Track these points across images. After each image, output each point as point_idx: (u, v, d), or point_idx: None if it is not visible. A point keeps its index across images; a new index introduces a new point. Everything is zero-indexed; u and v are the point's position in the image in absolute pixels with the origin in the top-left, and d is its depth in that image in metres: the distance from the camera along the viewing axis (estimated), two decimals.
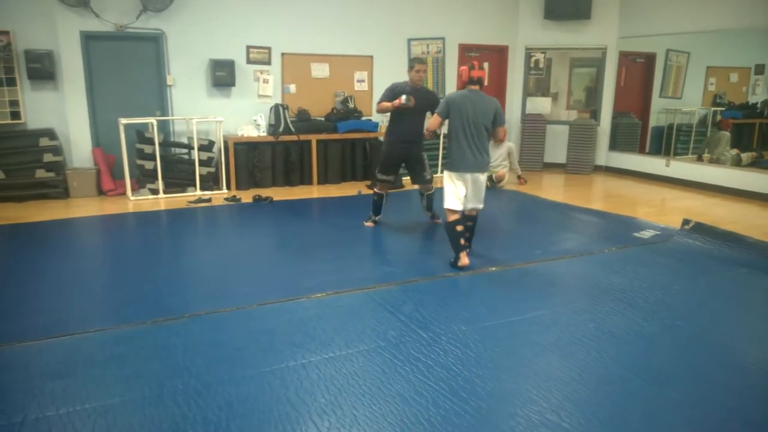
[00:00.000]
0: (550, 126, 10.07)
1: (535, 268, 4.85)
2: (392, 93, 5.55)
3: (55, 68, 7.21)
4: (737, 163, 8.38)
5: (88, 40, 7.32)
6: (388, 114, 5.77)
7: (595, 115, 9.96)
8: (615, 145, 10.00)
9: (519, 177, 8.63)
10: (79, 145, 7.48)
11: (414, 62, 5.58)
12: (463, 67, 4.65)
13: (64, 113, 7.36)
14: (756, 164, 8.36)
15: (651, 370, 3.13)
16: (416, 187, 6.18)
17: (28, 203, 7.01)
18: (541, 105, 10.16)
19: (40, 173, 7.17)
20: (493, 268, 4.75)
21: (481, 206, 4.85)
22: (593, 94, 10.06)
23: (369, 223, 6.01)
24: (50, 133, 7.25)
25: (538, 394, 2.87)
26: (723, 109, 9.18)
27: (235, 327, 3.59)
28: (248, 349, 3.27)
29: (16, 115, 7.13)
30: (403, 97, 5.37)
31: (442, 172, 5.83)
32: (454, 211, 4.69)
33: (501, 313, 3.86)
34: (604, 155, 9.99)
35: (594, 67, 9.97)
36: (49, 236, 5.66)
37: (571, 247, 5.50)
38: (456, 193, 4.67)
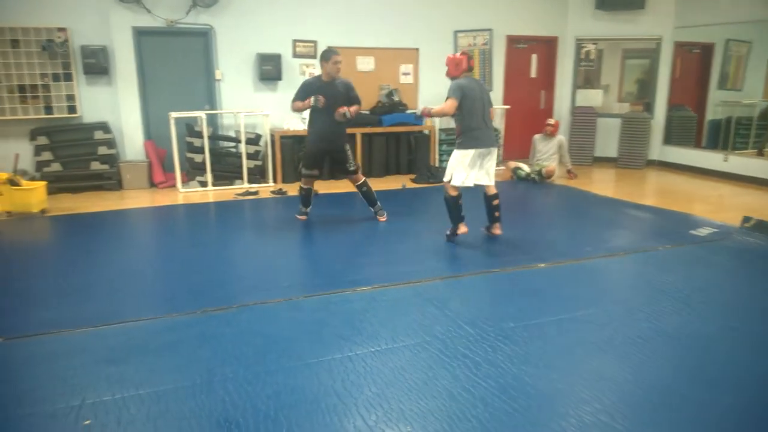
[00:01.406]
0: (601, 119, 9.80)
1: (585, 265, 4.73)
2: (304, 92, 5.53)
3: (109, 63, 7.40)
4: None
5: (140, 35, 7.50)
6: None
7: (649, 107, 9.64)
8: (669, 138, 9.66)
9: (569, 171, 8.45)
10: (131, 138, 7.68)
11: (331, 53, 5.49)
12: (462, 56, 4.99)
13: (117, 107, 7.56)
14: None
15: (706, 373, 3.00)
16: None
17: (83, 194, 7.25)
18: (591, 97, 9.91)
19: (95, 165, 7.40)
20: (542, 265, 4.65)
21: (492, 183, 5.15)
22: (646, 86, 9.75)
23: (302, 217, 5.97)
24: (104, 127, 7.47)
25: (590, 395, 2.78)
26: None
27: (283, 318, 3.62)
28: (296, 340, 3.29)
29: (72, 109, 7.37)
30: (312, 99, 5.41)
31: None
32: (456, 188, 5.01)
33: (551, 310, 3.77)
34: (657, 149, 9.67)
35: (647, 59, 9.65)
36: (104, 226, 5.84)
37: (623, 244, 5.35)
38: (466, 172, 4.97)
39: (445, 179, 5.12)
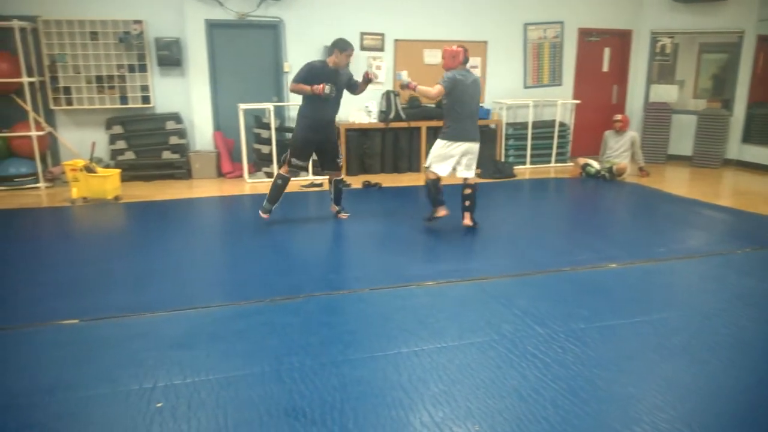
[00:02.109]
0: (676, 116, 9.39)
1: (659, 266, 4.54)
2: (310, 74, 5.18)
3: (182, 55, 7.61)
4: None
5: (212, 28, 7.67)
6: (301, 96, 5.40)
7: (727, 104, 9.16)
8: (749, 137, 9.14)
9: (641, 169, 8.13)
10: (201, 129, 7.88)
11: (348, 45, 5.29)
12: (460, 48, 5.14)
13: (188, 98, 7.77)
14: None
15: None
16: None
17: (154, 182, 7.50)
18: (666, 93, 9.50)
19: (166, 155, 7.64)
20: (613, 265, 4.49)
21: (473, 174, 5.29)
22: (723, 81, 9.27)
23: (265, 215, 5.57)
24: (176, 117, 7.69)
25: (665, 401, 2.67)
26: None
27: (349, 310, 3.63)
28: (361, 333, 3.29)
29: (146, 99, 7.62)
30: (327, 87, 5.09)
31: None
32: (436, 174, 5.20)
33: (623, 312, 3.64)
34: (736, 148, 9.17)
35: (726, 53, 9.17)
36: (174, 214, 6.03)
37: (699, 246, 5.11)
38: (446, 160, 5.16)
39: (426, 164, 5.35)
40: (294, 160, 5.49)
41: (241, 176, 7.74)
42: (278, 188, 5.52)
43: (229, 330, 3.30)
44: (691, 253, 4.87)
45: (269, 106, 7.49)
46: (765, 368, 3.00)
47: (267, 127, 7.53)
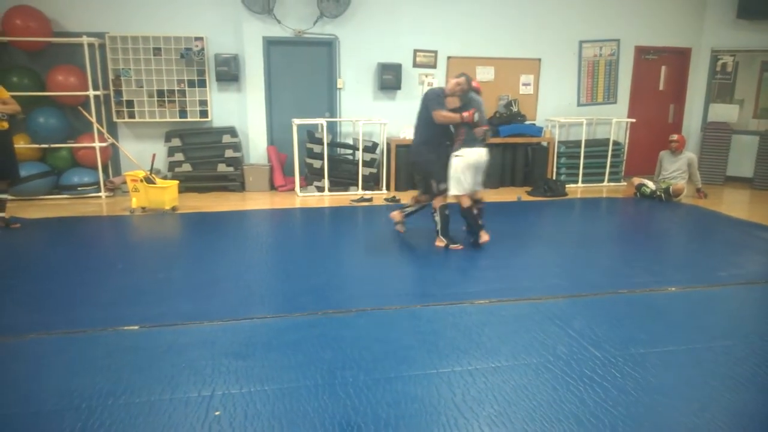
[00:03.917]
0: (736, 136, 9.09)
1: (720, 292, 4.38)
2: (443, 101, 5.15)
3: (239, 71, 7.82)
4: None
5: (270, 44, 7.86)
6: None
7: None
8: None
9: (698, 190, 7.89)
10: (255, 143, 8.06)
11: (463, 75, 5.20)
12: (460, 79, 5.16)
13: (244, 113, 7.97)
14: None
15: None
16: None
17: (209, 194, 7.69)
18: (725, 112, 9.22)
19: (221, 167, 7.83)
20: (672, 288, 4.36)
21: (481, 188, 5.40)
22: None
23: (456, 246, 5.34)
24: (232, 131, 7.89)
25: None
26: None
27: (401, 325, 3.62)
28: (414, 349, 3.27)
29: (204, 113, 7.85)
30: (476, 114, 5.07)
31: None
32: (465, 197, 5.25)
33: (683, 338, 3.52)
34: None
35: None
36: (228, 225, 6.15)
37: (761, 272, 4.91)
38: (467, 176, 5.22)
39: (449, 192, 5.26)
40: (444, 185, 5.29)
41: (292, 190, 7.86)
42: (447, 219, 5.38)
43: (283, 341, 3.34)
44: (753, 278, 4.68)
45: (322, 122, 7.61)
46: None
47: (319, 142, 7.64)
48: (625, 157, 8.91)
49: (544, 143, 8.51)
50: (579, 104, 9.01)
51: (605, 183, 8.71)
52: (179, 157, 7.72)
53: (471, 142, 5.20)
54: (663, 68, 9.31)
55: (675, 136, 7.88)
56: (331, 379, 2.92)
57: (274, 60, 7.96)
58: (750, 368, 3.17)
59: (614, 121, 8.71)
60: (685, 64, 9.34)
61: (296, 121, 7.52)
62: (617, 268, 4.79)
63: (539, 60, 8.67)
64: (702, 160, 8.85)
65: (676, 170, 7.73)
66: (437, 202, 5.36)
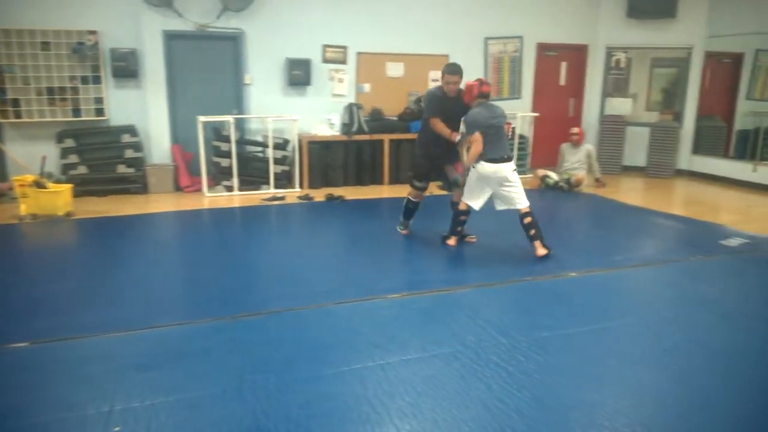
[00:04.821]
0: (630, 128, 9.67)
1: (616, 274, 4.64)
2: (439, 106, 5.09)
3: (138, 66, 7.46)
4: None
5: (170, 39, 7.55)
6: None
7: (678, 117, 9.49)
8: (698, 148, 9.50)
9: (597, 180, 8.33)
10: (158, 142, 7.73)
11: (447, 69, 5.06)
12: (473, 83, 4.91)
13: (145, 110, 7.62)
14: None
15: (749, 386, 2.92)
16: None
17: (108, 197, 7.28)
18: (620, 106, 9.78)
19: (121, 169, 7.44)
20: (573, 274, 4.56)
21: (523, 204, 4.99)
22: (674, 95, 9.60)
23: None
24: (131, 130, 7.52)
25: (626, 406, 2.74)
26: None
27: (313, 325, 3.58)
28: (326, 348, 3.24)
29: (100, 111, 7.43)
30: (458, 137, 5.02)
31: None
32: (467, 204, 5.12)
33: (583, 320, 3.69)
34: (686, 159, 9.50)
35: (676, 68, 9.52)
36: (130, 230, 5.86)
37: (654, 254, 5.24)
38: (482, 192, 5.05)
39: (467, 200, 5.16)
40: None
41: (199, 190, 7.60)
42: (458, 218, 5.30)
43: (189, 349, 3.21)
44: (647, 261, 4.99)
45: (229, 119, 7.40)
46: (722, 370, 3.08)
47: (227, 139, 7.43)
48: (530, 150, 9.25)
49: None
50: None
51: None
52: (74, 158, 7.27)
53: (493, 152, 4.89)
54: (563, 64, 9.74)
55: (576, 130, 8.29)
56: (239, 384, 2.83)
57: (176, 55, 7.66)
58: (644, 345, 3.38)
59: (519, 116, 9.03)
60: (582, 60, 9.82)
61: (201, 119, 7.27)
62: (523, 257, 4.96)
63: (447, 56, 8.80)
64: (600, 151, 9.35)
65: (576, 161, 8.12)
66: (411, 193, 5.50)
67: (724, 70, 9.43)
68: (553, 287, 4.30)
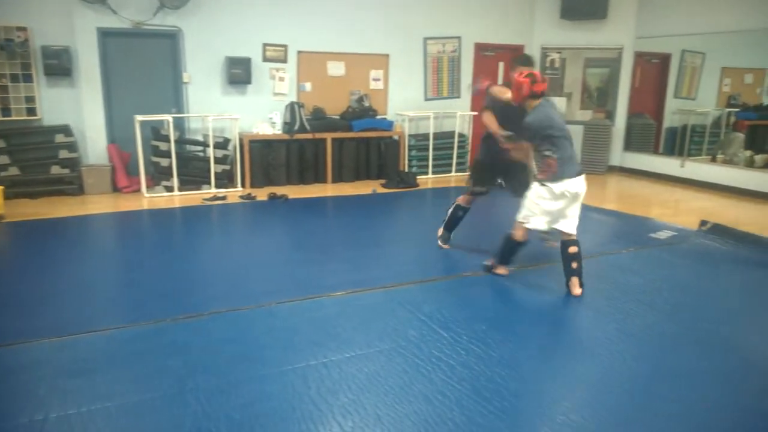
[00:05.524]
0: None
1: (551, 268, 4.78)
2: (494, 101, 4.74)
3: (72, 64, 7.22)
4: (751, 164, 8.30)
5: (105, 36, 7.33)
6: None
7: (610, 115, 9.88)
8: (629, 145, 9.93)
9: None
10: (94, 142, 7.49)
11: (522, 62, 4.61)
12: (524, 79, 3.99)
13: (80, 109, 7.37)
14: None
15: (673, 371, 3.10)
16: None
17: (42, 199, 7.02)
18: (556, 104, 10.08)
19: (56, 170, 7.18)
20: (512, 268, 4.70)
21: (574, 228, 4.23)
22: (606, 94, 9.99)
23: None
24: (66, 130, 7.27)
25: (561, 394, 2.88)
26: (737, 110, 9.08)
27: (255, 325, 3.57)
28: (269, 348, 3.25)
29: (32, 111, 7.14)
30: (505, 137, 4.69)
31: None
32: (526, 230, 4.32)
33: (521, 312, 3.84)
34: (618, 155, 9.92)
35: (608, 67, 9.90)
36: (65, 233, 5.68)
37: (587, 248, 5.37)
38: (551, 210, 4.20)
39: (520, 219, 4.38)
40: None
41: (138, 191, 7.42)
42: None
43: (127, 353, 3.16)
44: (584, 253, 5.18)
45: (168, 118, 7.25)
46: (650, 358, 3.26)
47: (166, 139, 7.27)
48: (470, 148, 9.44)
49: (396, 137, 8.78)
50: (426, 98, 9.39)
51: (453, 173, 9.18)
52: (4, 159, 6.96)
53: (565, 167, 4.11)
54: (500, 64, 9.96)
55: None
56: (180, 387, 2.81)
57: (111, 53, 7.44)
58: (577, 335, 3.58)
59: (459, 115, 9.21)
60: None
61: (139, 118, 7.10)
62: (466, 251, 5.07)
63: (388, 56, 8.91)
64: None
65: None
66: (461, 199, 5.13)
67: (653, 70, 9.89)
68: (491, 281, 4.42)
